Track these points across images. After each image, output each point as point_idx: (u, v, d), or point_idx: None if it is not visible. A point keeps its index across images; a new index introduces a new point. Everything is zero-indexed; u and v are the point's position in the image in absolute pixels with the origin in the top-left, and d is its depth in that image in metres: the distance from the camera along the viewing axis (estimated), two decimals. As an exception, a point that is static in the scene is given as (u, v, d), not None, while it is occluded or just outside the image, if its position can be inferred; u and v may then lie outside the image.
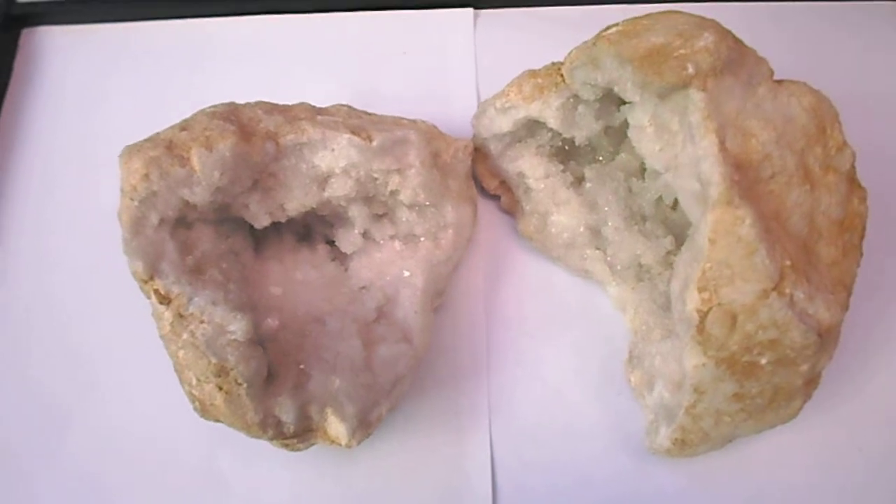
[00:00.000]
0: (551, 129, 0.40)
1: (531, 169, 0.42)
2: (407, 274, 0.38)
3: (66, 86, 0.49)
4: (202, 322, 0.31)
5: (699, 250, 0.32)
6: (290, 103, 0.39)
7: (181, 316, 0.31)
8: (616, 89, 0.35)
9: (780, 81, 0.34)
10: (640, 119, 0.34)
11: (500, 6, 0.50)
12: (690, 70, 0.31)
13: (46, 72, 0.49)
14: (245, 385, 0.31)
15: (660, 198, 0.39)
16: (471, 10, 0.50)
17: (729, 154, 0.31)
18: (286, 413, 0.32)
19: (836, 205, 0.35)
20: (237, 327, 0.31)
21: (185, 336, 0.31)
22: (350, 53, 0.49)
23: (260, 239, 0.39)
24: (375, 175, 0.36)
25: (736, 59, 0.32)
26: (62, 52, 0.50)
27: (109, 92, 0.48)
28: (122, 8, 0.50)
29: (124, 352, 0.41)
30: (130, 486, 0.39)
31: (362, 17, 0.50)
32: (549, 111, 0.39)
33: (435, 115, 0.42)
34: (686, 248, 0.34)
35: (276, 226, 0.38)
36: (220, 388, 0.31)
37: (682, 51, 0.31)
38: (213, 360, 0.30)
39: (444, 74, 0.48)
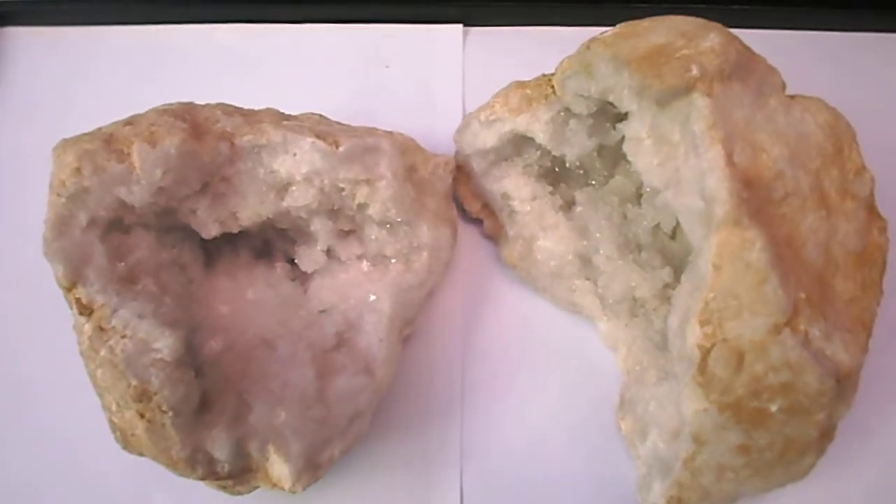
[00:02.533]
0: (540, 147, 0.38)
1: (517, 189, 0.39)
2: (373, 298, 0.35)
3: (32, 88, 0.46)
4: (123, 337, 0.27)
5: (701, 278, 0.29)
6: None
7: (101, 329, 0.27)
8: (611, 98, 0.32)
9: (792, 96, 0.32)
10: (638, 130, 0.31)
11: (491, 24, 0.48)
12: (695, 72, 0.28)
13: (13, 73, 0.47)
14: (170, 413, 0.27)
15: (657, 225, 0.36)
16: (460, 26, 0.47)
17: (737, 169, 0.28)
18: (220, 449, 0.28)
19: (855, 234, 0.32)
20: (164, 345, 0.27)
21: (102, 352, 0.27)
22: (329, 66, 0.47)
23: (213, 253, 0.35)
24: (341, 185, 0.33)
25: (745, 64, 0.29)
26: (29, 54, 0.48)
27: (77, 95, 0.46)
28: (95, 11, 0.48)
29: (48, 375, 0.38)
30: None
31: (346, 30, 0.48)
32: (538, 125, 0.36)
33: (417, 132, 0.40)
34: (686, 277, 0.31)
35: (231, 240, 0.35)
36: (142, 416, 0.27)
37: (685, 51, 0.28)
38: (134, 382, 0.27)
39: (429, 92, 0.46)
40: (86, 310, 0.28)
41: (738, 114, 0.29)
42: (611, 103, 0.33)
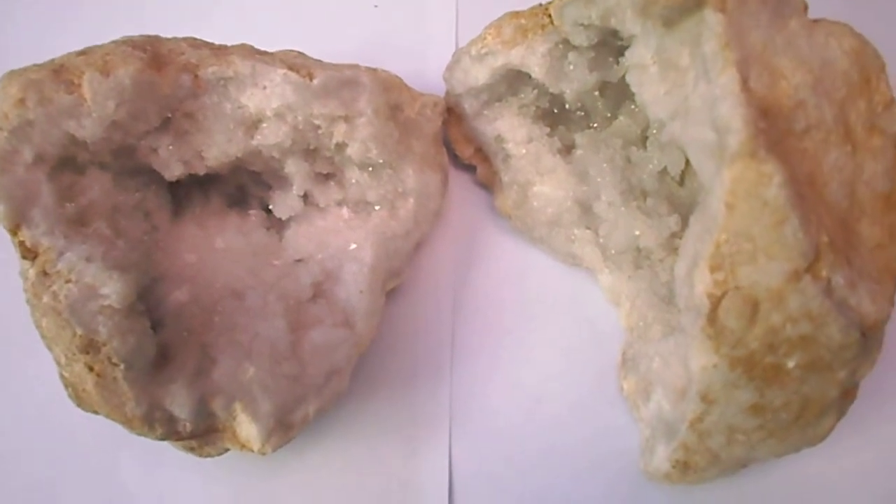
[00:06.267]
0: (536, 85, 0.35)
1: (511, 131, 0.36)
2: (354, 247, 0.33)
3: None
4: (68, 281, 0.25)
5: (712, 219, 0.26)
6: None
7: (45, 274, 0.25)
8: (613, 23, 0.29)
9: (815, 20, 0.29)
10: (642, 56, 0.29)
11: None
12: (706, -16, 0.25)
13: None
14: (122, 366, 0.25)
15: (664, 170, 0.34)
16: (454, -38, 0.44)
17: (753, 95, 0.26)
18: (180, 406, 0.27)
19: (883, 175, 0.30)
20: (112, 290, 0.25)
21: (45, 299, 0.25)
22: (314, 4, 0.44)
23: (182, 201, 0.33)
24: (317, 122, 0.31)
25: (763, -22, 0.26)
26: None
27: (43, 30, 0.43)
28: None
29: (7, 329, 0.36)
30: (17, 495, 0.34)
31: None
32: (534, 58, 0.33)
33: (407, 74, 0.37)
34: (696, 219, 0.28)
35: (202, 186, 0.33)
36: (91, 369, 0.25)
37: (695, -41, 0.25)
38: (79, 331, 0.25)
39: (420, 32, 0.43)
40: (30, 253, 0.26)
41: (755, 35, 0.27)
42: (614, 33, 0.30)
